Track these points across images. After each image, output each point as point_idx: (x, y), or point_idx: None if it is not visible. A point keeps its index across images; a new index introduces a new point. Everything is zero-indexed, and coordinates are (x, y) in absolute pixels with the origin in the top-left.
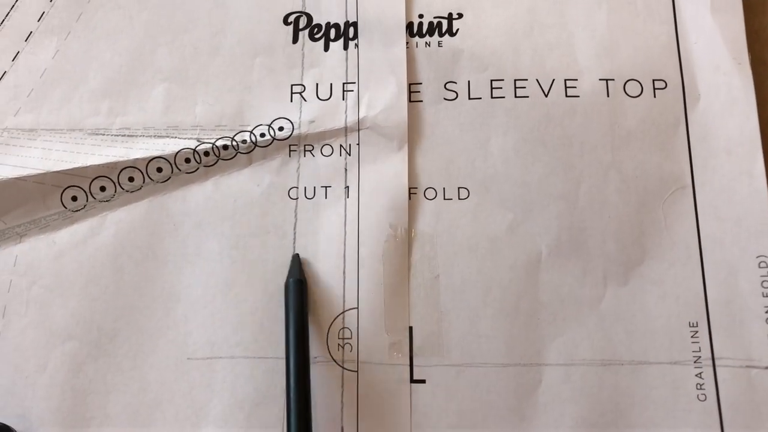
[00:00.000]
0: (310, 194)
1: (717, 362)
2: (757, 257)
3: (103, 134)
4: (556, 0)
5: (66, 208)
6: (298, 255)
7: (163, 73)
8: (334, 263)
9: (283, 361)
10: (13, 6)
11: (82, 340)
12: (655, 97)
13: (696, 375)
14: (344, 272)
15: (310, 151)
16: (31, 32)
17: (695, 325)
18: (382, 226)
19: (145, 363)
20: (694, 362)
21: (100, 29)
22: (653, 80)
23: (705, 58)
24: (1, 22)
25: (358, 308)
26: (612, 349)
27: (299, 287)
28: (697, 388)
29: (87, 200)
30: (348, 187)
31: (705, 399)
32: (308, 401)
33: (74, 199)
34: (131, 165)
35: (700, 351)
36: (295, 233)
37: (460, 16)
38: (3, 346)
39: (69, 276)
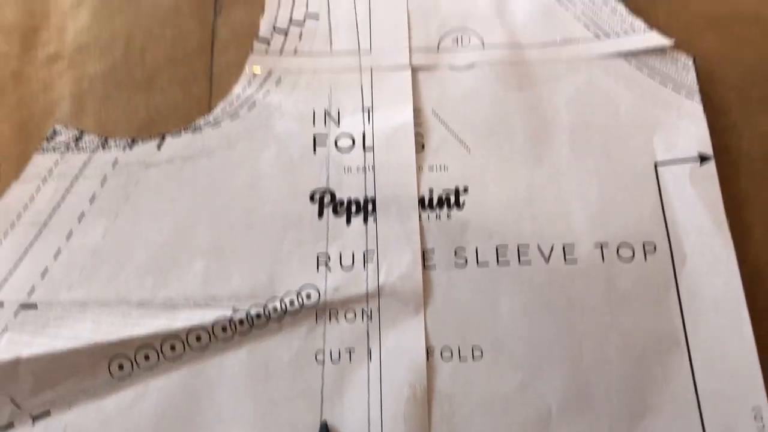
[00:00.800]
0: (335, 358)
1: None
2: (752, 409)
3: (148, 306)
4: (552, 175)
5: (112, 376)
6: (325, 421)
7: (202, 249)
8: (359, 424)
9: None
10: (68, 190)
11: None
12: (646, 260)
13: None
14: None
15: (334, 316)
16: (83, 213)
17: None
18: (402, 387)
19: None
20: None
21: (145, 210)
22: (643, 243)
23: (688, 223)
24: (58, 204)
25: None
26: None
27: None
28: None
29: (132, 369)
30: (370, 349)
31: None
32: None
33: (120, 367)
34: (173, 335)
35: None
36: (322, 396)
37: (466, 190)
38: None
39: None
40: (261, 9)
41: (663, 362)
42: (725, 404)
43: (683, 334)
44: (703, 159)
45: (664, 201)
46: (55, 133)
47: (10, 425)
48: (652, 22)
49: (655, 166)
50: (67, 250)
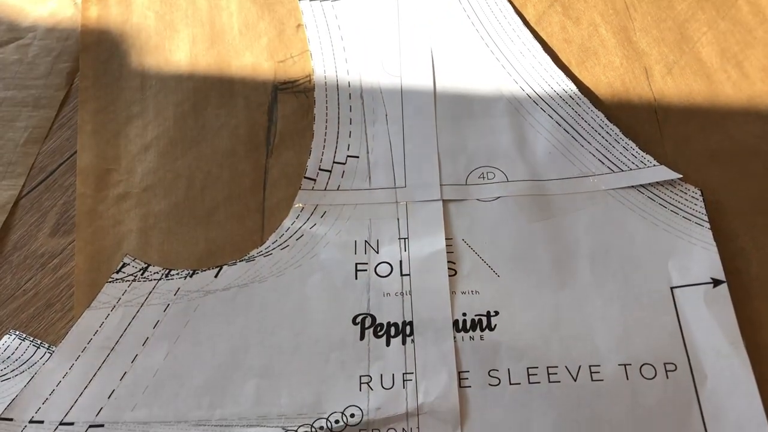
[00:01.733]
0: None
1: None
2: None
3: (205, 425)
4: (576, 299)
5: None
6: None
7: (254, 370)
8: None
9: None
10: (134, 316)
11: None
12: (667, 378)
13: None
14: None
15: None
16: (147, 338)
17: None
18: None
19: None
20: None
21: (203, 333)
22: (664, 364)
23: (706, 344)
24: (125, 330)
25: None
26: None
27: None
28: None
29: None
30: None
31: None
32: None
33: None
34: None
35: None
36: None
37: (497, 313)
38: None
39: None
40: (308, 151)
41: None
42: None
43: None
44: (716, 282)
45: (681, 322)
46: (124, 264)
47: None
48: (661, 158)
49: (672, 290)
50: (132, 372)
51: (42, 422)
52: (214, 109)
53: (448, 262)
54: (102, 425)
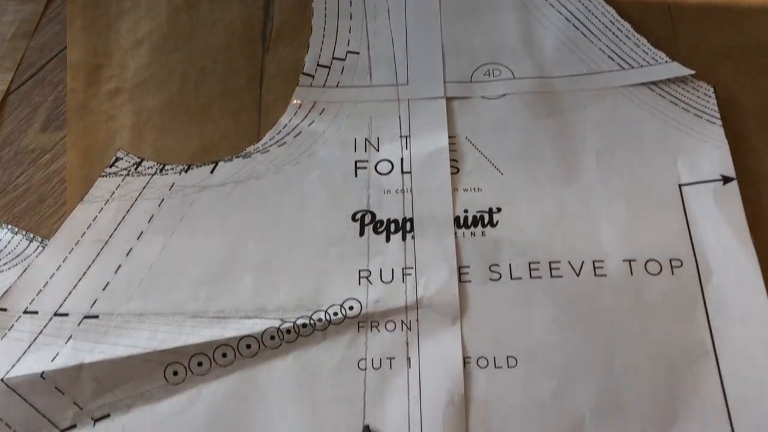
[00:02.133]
0: (377, 365)
1: None
2: None
3: (202, 317)
4: (581, 196)
5: (167, 381)
6: (368, 425)
7: (252, 264)
8: (399, 428)
9: None
10: (129, 210)
11: None
12: (673, 274)
13: None
14: None
15: (376, 326)
16: (142, 231)
17: None
18: (440, 393)
19: None
20: None
21: (199, 228)
22: (670, 260)
23: (714, 240)
24: (119, 224)
25: None
26: None
27: None
28: None
29: (186, 374)
30: (410, 358)
31: None
32: None
33: (175, 373)
34: (225, 343)
35: None
36: (364, 401)
37: (499, 210)
38: None
39: None
40: (306, 46)
41: (692, 371)
42: (755, 409)
43: (711, 344)
44: (725, 180)
45: (689, 219)
46: (117, 159)
47: (73, 426)
48: (673, 54)
49: (680, 187)
50: (127, 265)
51: (36, 313)
52: (209, 3)
53: (451, 160)
54: (97, 316)
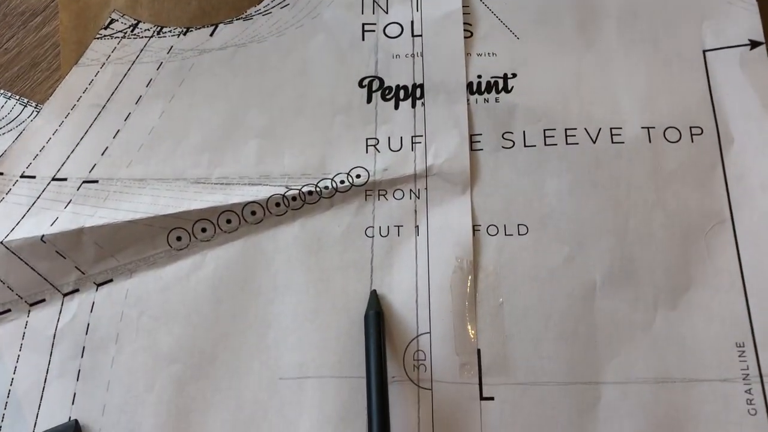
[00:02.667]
0: (384, 233)
1: (765, 379)
2: None
3: (204, 183)
4: (600, 61)
5: (171, 247)
6: (375, 290)
7: (255, 131)
8: (407, 293)
9: (365, 380)
10: (126, 74)
11: (186, 363)
12: (692, 142)
13: (745, 391)
14: (417, 301)
15: (383, 195)
16: (141, 96)
17: (742, 345)
18: (449, 259)
19: (241, 383)
20: (743, 379)
21: (199, 93)
22: (690, 127)
23: (737, 107)
24: (116, 88)
25: (430, 333)
26: (665, 368)
27: (377, 319)
28: (748, 404)
29: (190, 240)
30: (418, 226)
31: (755, 413)
32: (387, 419)
33: (179, 239)
34: (229, 209)
35: (748, 369)
36: (371, 267)
37: (514, 75)
38: (116, 368)
39: (173, 306)
40: None
41: (708, 238)
42: None
43: (729, 212)
44: (753, 44)
45: (711, 86)
46: (112, 20)
47: (76, 291)
48: None
49: (704, 53)
50: (126, 130)
51: (34, 177)
52: None
53: (464, 23)
54: (96, 181)
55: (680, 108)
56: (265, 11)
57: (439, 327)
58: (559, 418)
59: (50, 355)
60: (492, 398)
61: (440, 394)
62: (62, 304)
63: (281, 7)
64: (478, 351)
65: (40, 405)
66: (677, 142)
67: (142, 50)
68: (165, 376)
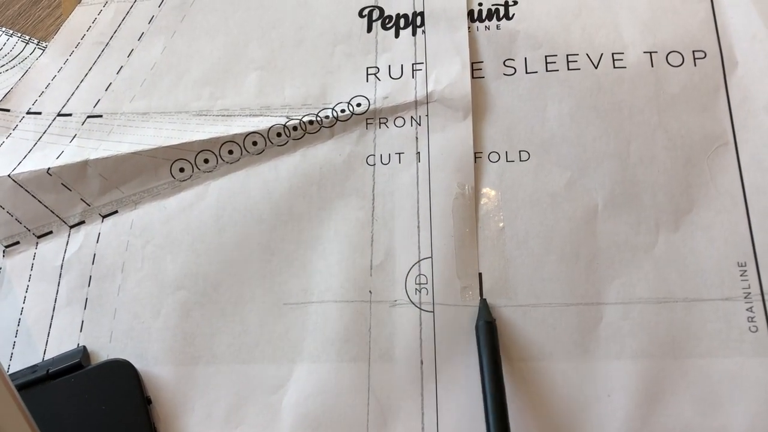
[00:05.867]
0: (385, 160)
1: (766, 297)
2: None
3: (206, 115)
4: None
5: (174, 178)
6: (485, 299)
7: (255, 63)
8: (409, 218)
9: (367, 303)
10: (128, 12)
11: (190, 289)
12: (695, 65)
13: (747, 309)
14: (418, 226)
15: (384, 123)
16: (143, 33)
17: (744, 264)
18: (450, 185)
19: (245, 309)
20: (745, 298)
21: (200, 28)
22: (693, 51)
23: (741, 30)
24: (119, 26)
25: (432, 257)
26: (666, 288)
27: (490, 329)
28: (749, 321)
29: (193, 171)
30: (419, 152)
31: (756, 330)
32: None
33: (182, 170)
34: (231, 140)
35: (749, 288)
36: (373, 194)
37: (515, 2)
38: (123, 295)
39: (178, 236)
40: None
41: (710, 160)
42: None
43: (731, 134)
44: None
45: (716, 10)
46: None
47: (82, 222)
48: None
49: None
50: (129, 66)
51: (40, 113)
52: None
53: None
54: (100, 116)
55: (683, 32)
56: None
57: (441, 251)
58: (561, 338)
59: (58, 285)
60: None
61: (442, 316)
62: (69, 236)
63: None
64: (480, 274)
65: (49, 332)
66: (680, 66)
67: None
68: (171, 302)
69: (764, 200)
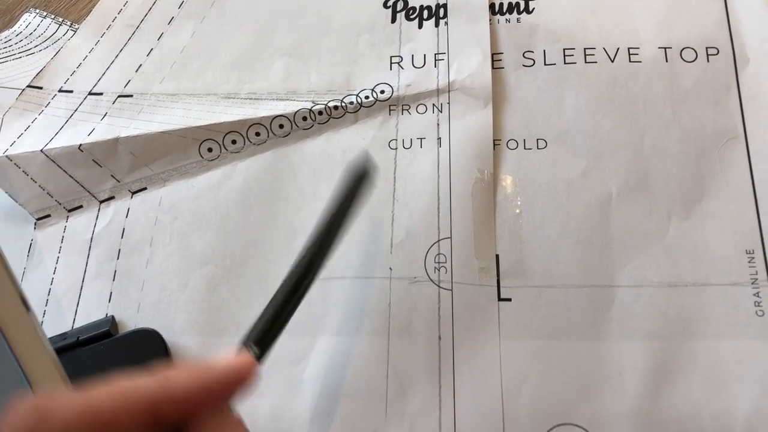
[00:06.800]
0: (407, 145)
1: None
2: None
3: (234, 98)
4: None
5: (203, 158)
6: (367, 150)
7: (282, 50)
8: (429, 200)
9: (387, 280)
10: None
11: (217, 265)
12: (708, 61)
13: (754, 294)
14: (438, 208)
15: (407, 109)
16: (173, 17)
17: (752, 252)
18: (470, 170)
19: (269, 284)
20: (752, 283)
21: (229, 14)
22: (706, 48)
23: (753, 29)
24: (149, 10)
25: (451, 238)
26: (677, 273)
27: (361, 175)
28: (755, 306)
29: (221, 152)
30: (440, 138)
31: (763, 315)
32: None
33: (210, 150)
34: (258, 122)
35: (756, 274)
36: (395, 176)
37: None
38: (151, 269)
39: (205, 213)
40: None
41: (721, 153)
42: None
43: (742, 128)
44: None
45: (728, 8)
46: None
47: (112, 198)
48: None
49: None
50: (159, 48)
51: (71, 91)
52: None
53: None
54: (131, 95)
55: (697, 29)
56: None
57: (460, 233)
58: (575, 319)
59: (87, 257)
60: (509, 299)
61: (460, 294)
62: (99, 210)
63: None
64: (497, 256)
65: (78, 302)
66: (693, 61)
67: None
68: (198, 276)
69: None
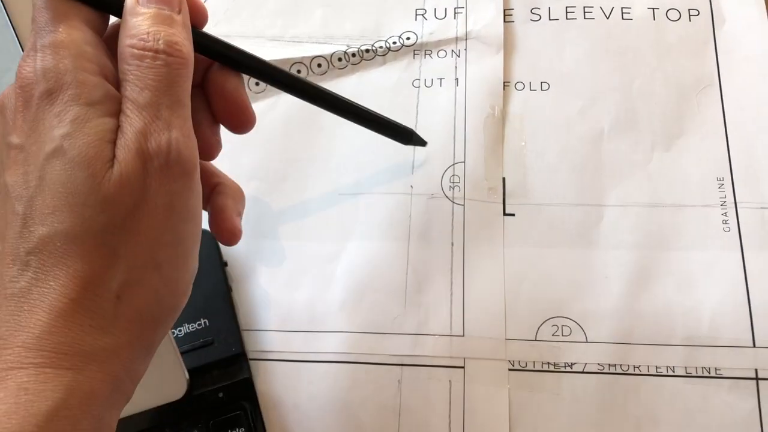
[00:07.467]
0: (429, 84)
1: (738, 205)
2: None
3: (279, 40)
4: None
5: (251, 90)
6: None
7: (321, 1)
8: (447, 131)
9: (408, 196)
10: None
11: (262, 180)
12: (690, 21)
13: (722, 214)
14: (454, 137)
15: (429, 54)
16: None
17: (722, 179)
18: (483, 106)
19: (307, 197)
20: (721, 205)
21: None
22: (689, 9)
23: None
24: None
25: (464, 162)
26: (657, 196)
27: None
28: (723, 223)
29: (266, 86)
30: (457, 79)
31: (729, 231)
32: None
33: (257, 84)
34: (299, 61)
35: (725, 198)
36: (417, 111)
37: None
38: None
39: (252, 137)
40: None
41: (699, 96)
42: (748, 130)
43: (717, 77)
44: None
45: None
46: None
47: None
48: None
49: None
50: None
51: None
52: None
53: None
54: None
55: None
56: None
57: (472, 158)
58: (569, 231)
59: None
60: (513, 214)
61: (471, 209)
62: None
63: None
64: (503, 178)
65: None
66: (677, 20)
67: None
68: (245, 189)
69: (741, 130)
